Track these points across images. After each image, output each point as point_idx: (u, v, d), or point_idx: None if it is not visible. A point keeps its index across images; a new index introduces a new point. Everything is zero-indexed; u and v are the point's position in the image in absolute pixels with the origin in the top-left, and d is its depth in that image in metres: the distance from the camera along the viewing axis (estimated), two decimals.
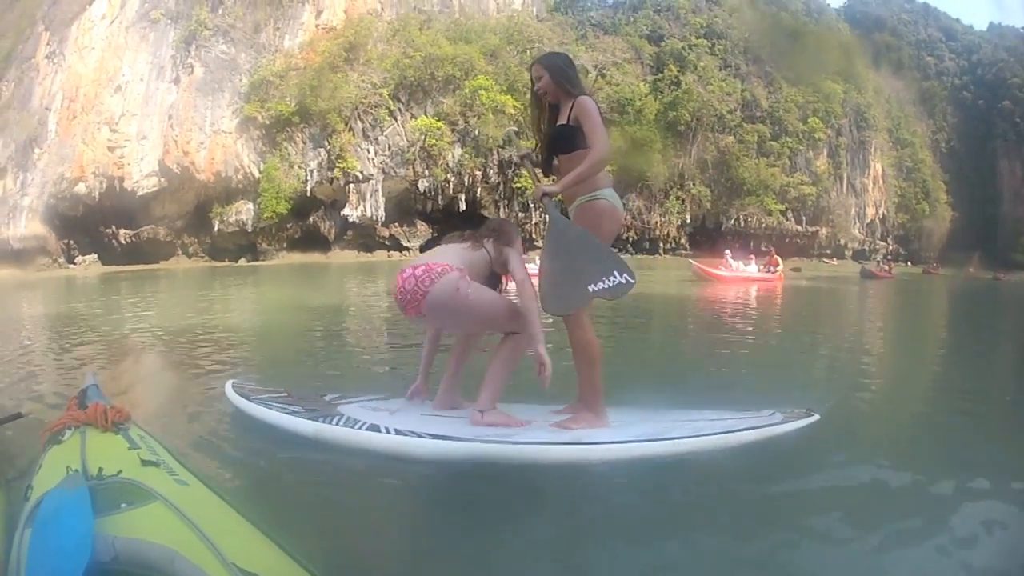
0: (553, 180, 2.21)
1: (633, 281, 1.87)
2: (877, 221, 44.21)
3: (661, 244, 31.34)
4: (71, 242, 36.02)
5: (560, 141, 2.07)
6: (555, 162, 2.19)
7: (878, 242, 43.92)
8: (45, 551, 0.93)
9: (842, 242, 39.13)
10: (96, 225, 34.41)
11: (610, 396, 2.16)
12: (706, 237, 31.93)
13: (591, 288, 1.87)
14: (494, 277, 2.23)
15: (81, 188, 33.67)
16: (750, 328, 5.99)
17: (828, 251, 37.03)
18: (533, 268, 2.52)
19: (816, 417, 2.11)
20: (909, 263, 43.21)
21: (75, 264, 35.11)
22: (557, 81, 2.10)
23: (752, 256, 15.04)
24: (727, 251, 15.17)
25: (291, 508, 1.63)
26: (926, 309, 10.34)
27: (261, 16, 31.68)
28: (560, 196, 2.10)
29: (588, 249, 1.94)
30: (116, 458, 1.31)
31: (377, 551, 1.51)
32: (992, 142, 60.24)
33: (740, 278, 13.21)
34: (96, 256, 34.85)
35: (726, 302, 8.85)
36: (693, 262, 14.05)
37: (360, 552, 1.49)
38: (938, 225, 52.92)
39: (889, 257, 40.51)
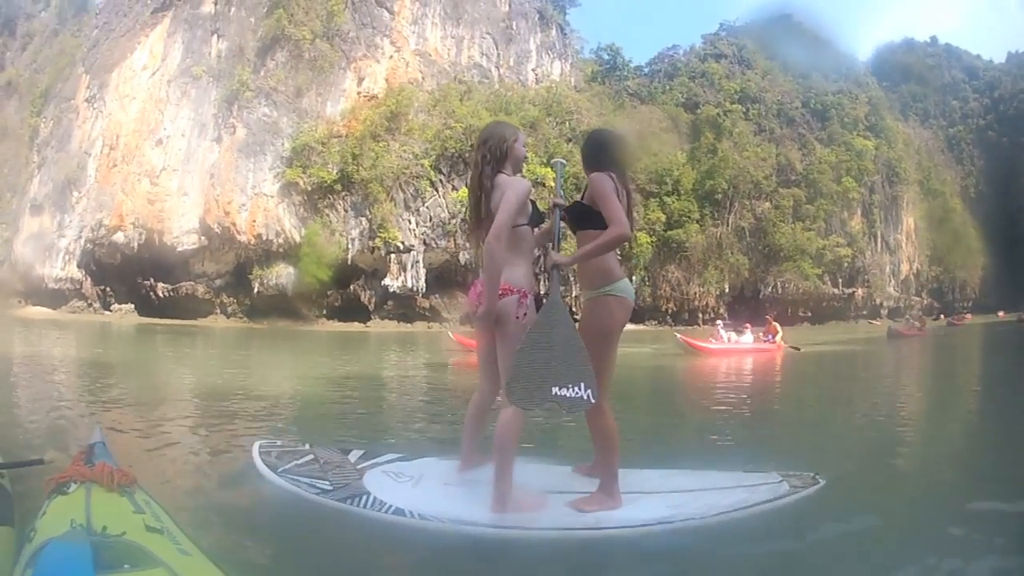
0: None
1: (592, 402, 1.94)
2: (911, 277, 43.69)
3: (700, 314, 31.14)
4: (107, 288, 36.65)
5: (577, 219, 2.08)
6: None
7: (912, 298, 43.31)
8: None
9: (878, 301, 38.61)
10: (134, 275, 34.96)
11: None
12: (744, 305, 31.63)
13: (555, 392, 1.91)
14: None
15: (120, 237, 34.31)
16: (723, 410, 5.12)
17: (864, 312, 36.54)
18: None
19: (822, 484, 2.19)
20: (942, 316, 42.44)
21: (111, 311, 35.66)
22: (582, 156, 2.21)
23: (747, 325, 14.14)
24: (719, 322, 14.58)
25: None
26: (938, 366, 10.16)
27: (303, 81, 32.39)
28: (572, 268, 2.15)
29: (568, 352, 1.96)
30: (121, 519, 1.34)
31: None
32: (1018, 180, 59.61)
33: (732, 350, 12.23)
34: (132, 306, 35.38)
35: (708, 378, 8.18)
36: (679, 335, 13.19)
37: None
38: (970, 274, 52.15)
39: (921, 312, 39.46)
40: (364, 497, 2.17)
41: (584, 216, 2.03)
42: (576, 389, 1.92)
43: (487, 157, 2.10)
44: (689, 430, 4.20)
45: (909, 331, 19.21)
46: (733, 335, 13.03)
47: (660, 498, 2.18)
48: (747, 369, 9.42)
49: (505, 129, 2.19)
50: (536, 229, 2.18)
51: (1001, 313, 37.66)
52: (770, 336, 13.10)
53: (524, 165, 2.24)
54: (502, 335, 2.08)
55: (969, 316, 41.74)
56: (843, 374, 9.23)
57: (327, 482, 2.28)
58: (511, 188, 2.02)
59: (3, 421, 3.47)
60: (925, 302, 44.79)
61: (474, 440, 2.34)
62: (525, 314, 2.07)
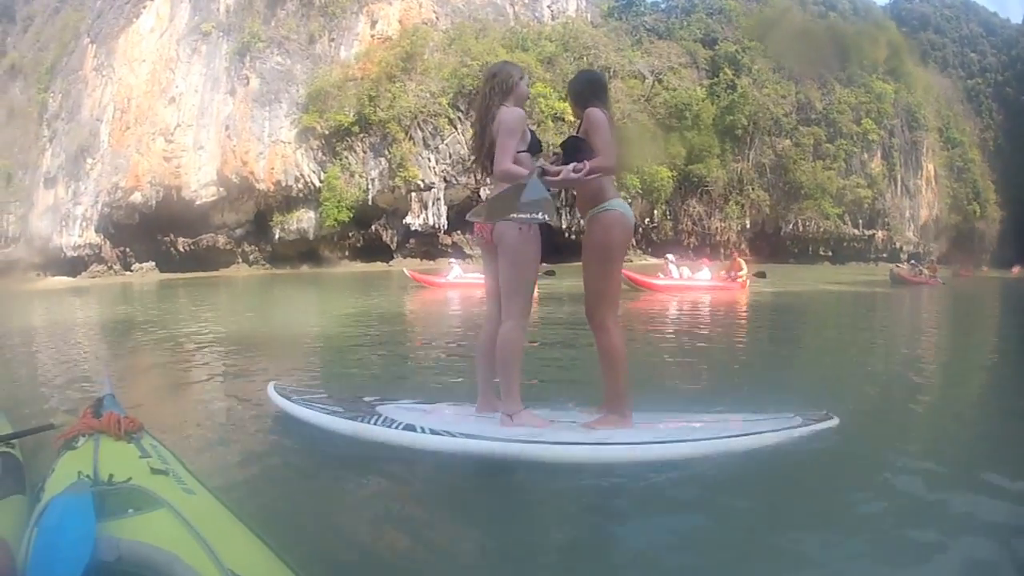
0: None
1: (545, 219, 2.00)
2: (931, 223, 43.16)
3: (721, 250, 30.99)
4: (127, 250, 36.91)
5: (570, 151, 2.12)
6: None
7: (931, 244, 42.87)
8: (47, 552, 0.98)
9: (898, 245, 38.25)
10: (153, 233, 35.19)
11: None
12: (766, 242, 31.45)
13: (513, 216, 2.01)
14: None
15: (137, 197, 34.47)
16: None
17: (884, 255, 36.20)
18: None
19: (836, 420, 2.14)
20: (959, 265, 41.97)
21: (131, 271, 36.01)
22: (572, 96, 2.29)
23: (706, 261, 12.66)
24: (668, 254, 12.15)
25: (297, 519, 1.64)
26: (928, 321, 7.98)
27: (315, 27, 32.10)
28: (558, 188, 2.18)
29: (528, 195, 2.00)
30: (127, 466, 1.35)
31: (385, 565, 1.48)
32: None
33: (683, 286, 10.72)
34: (154, 263, 35.69)
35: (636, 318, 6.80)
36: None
37: (366, 566, 1.47)
38: (989, 227, 51.49)
39: (933, 259, 37.84)
40: (375, 417, 2.20)
41: (578, 149, 2.08)
42: (532, 215, 1.97)
43: (494, 90, 2.21)
44: None
45: (915, 278, 16.79)
46: (686, 270, 11.57)
47: (671, 424, 2.20)
48: (685, 309, 8.04)
49: (511, 67, 2.31)
50: (536, 157, 2.22)
51: (1015, 269, 37.19)
52: (733, 273, 11.50)
53: (529, 102, 2.33)
54: (504, 248, 2.13)
55: (986, 269, 41.24)
56: (792, 324, 7.24)
57: (340, 408, 2.33)
58: (508, 115, 2.12)
59: (15, 392, 3.43)
60: (944, 250, 44.34)
61: (489, 376, 2.29)
62: (530, 226, 2.11)
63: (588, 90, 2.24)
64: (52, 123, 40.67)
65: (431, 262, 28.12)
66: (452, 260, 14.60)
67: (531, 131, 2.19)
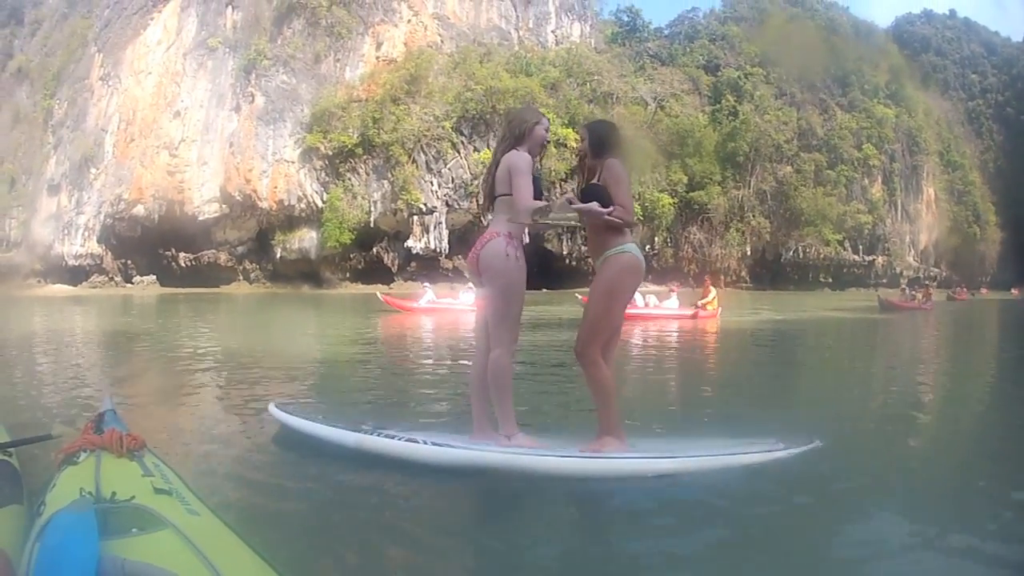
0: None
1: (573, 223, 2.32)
2: (930, 247, 43.29)
3: (722, 277, 31.05)
4: (128, 262, 36.97)
5: (590, 198, 2.21)
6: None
7: (932, 269, 42.95)
8: (51, 569, 0.97)
9: (898, 270, 38.35)
10: (155, 247, 35.24)
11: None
12: (766, 269, 31.49)
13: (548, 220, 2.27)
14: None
15: (140, 210, 34.56)
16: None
17: (884, 280, 36.28)
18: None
19: (818, 444, 2.24)
20: (960, 287, 42.06)
21: (132, 283, 36.04)
22: (592, 145, 2.36)
23: (675, 288, 11.93)
24: None
25: (302, 541, 1.65)
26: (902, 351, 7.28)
27: (320, 47, 32.30)
28: (578, 222, 2.35)
29: (555, 215, 2.26)
30: (130, 484, 1.34)
31: None
32: None
33: (649, 316, 10.13)
34: (154, 277, 35.72)
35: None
36: (578, 295, 11.01)
37: None
38: (989, 248, 51.63)
39: (928, 284, 37.38)
40: (377, 431, 2.25)
41: (599, 197, 2.18)
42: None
43: (507, 136, 2.30)
44: None
45: (905, 303, 16.08)
46: (653, 298, 10.93)
47: (661, 442, 2.35)
48: (649, 341, 7.26)
49: (527, 112, 2.40)
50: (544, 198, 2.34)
51: (1014, 290, 37.25)
52: (702, 301, 10.78)
53: (544, 146, 2.38)
54: (491, 275, 2.19)
55: (985, 290, 41.28)
56: (755, 357, 6.67)
57: (340, 423, 2.39)
58: (516, 158, 2.22)
59: (15, 400, 3.43)
60: (944, 274, 44.41)
61: (484, 405, 2.34)
62: (517, 256, 2.20)
63: (611, 140, 2.36)
64: (57, 130, 40.80)
65: (432, 286, 28.20)
66: (426, 284, 14.64)
67: (535, 177, 2.26)
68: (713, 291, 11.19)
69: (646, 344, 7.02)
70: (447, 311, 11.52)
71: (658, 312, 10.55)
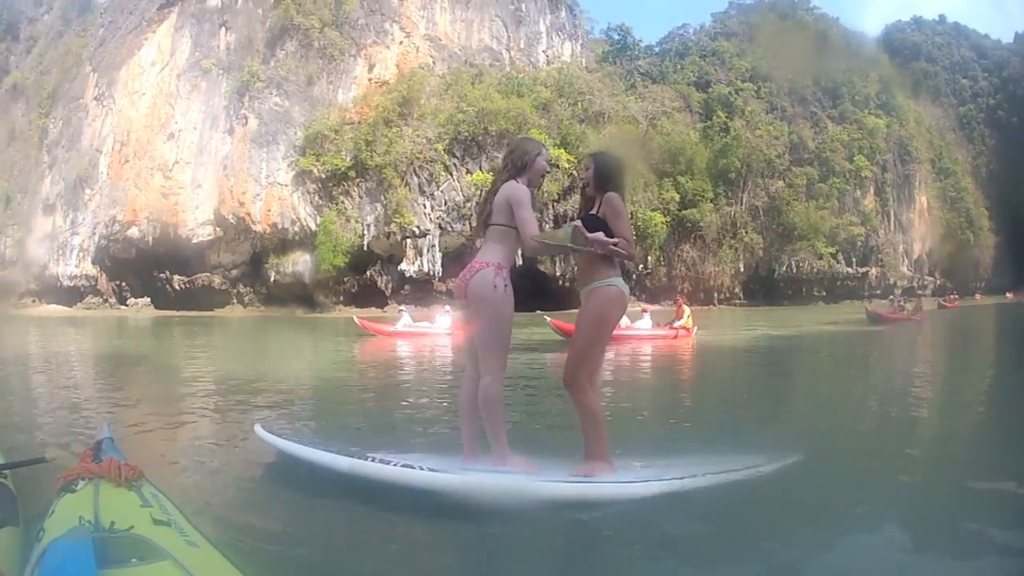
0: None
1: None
2: (924, 256, 43.40)
3: (715, 294, 31.14)
4: (123, 284, 36.96)
5: (592, 229, 2.25)
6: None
7: (926, 278, 43.08)
8: None
9: (891, 281, 38.43)
10: (149, 269, 35.21)
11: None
12: (760, 284, 31.57)
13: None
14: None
15: (134, 232, 34.53)
16: None
17: (878, 291, 36.35)
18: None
19: (799, 458, 2.37)
20: (954, 295, 42.16)
21: (127, 306, 35.99)
22: (596, 176, 2.38)
23: (646, 309, 11.55)
24: None
25: (301, 574, 1.65)
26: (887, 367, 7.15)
27: (313, 69, 32.42)
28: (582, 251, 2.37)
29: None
30: (129, 514, 1.35)
31: None
32: None
33: (618, 336, 9.10)
34: (149, 300, 35.68)
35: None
36: (548, 318, 10.67)
37: None
38: (983, 253, 51.75)
39: (920, 292, 35.84)
40: (370, 457, 2.25)
41: (597, 228, 2.23)
42: None
43: (507, 166, 2.33)
44: None
45: (894, 315, 15.63)
46: (624, 319, 10.59)
47: (648, 467, 2.41)
48: (623, 362, 7.08)
49: (528, 144, 2.42)
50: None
51: (1009, 294, 37.45)
52: (675, 321, 10.47)
53: (543, 178, 2.42)
54: (480, 305, 2.22)
55: (980, 296, 41.42)
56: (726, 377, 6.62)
57: (331, 448, 2.39)
58: (515, 191, 2.25)
59: (10, 421, 3.47)
60: (938, 282, 44.52)
61: (474, 430, 2.37)
62: (506, 286, 2.22)
63: (616, 174, 2.40)
64: (52, 149, 40.86)
65: (426, 308, 28.20)
66: (402, 308, 14.67)
67: None
68: (687, 310, 10.88)
69: (620, 367, 6.97)
70: (424, 335, 11.58)
71: (632, 333, 10.04)
